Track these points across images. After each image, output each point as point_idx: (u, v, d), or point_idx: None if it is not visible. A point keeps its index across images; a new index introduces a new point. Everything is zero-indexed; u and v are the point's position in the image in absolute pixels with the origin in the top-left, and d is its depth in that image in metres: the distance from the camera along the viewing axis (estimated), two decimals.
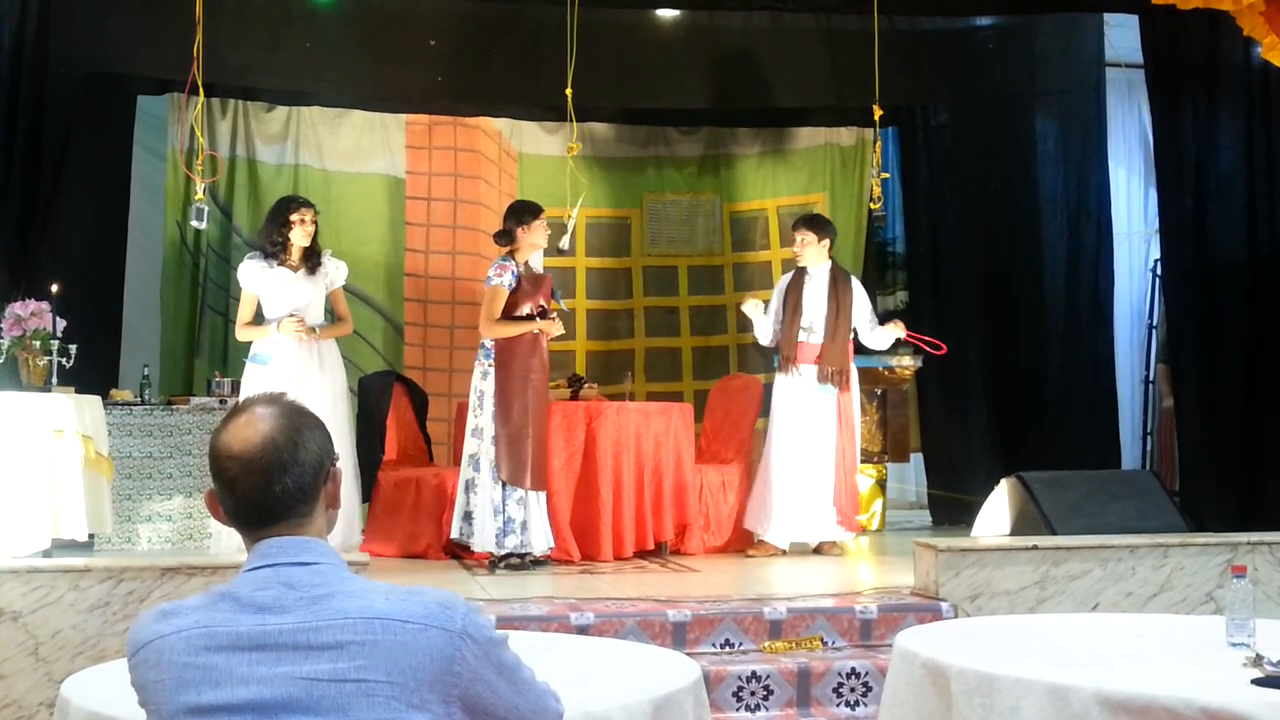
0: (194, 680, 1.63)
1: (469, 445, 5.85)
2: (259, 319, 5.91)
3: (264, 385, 5.63)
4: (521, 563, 5.73)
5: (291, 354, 5.81)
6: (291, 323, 5.78)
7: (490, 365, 5.83)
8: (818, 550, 6.45)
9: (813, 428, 6.39)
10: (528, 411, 5.78)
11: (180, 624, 1.67)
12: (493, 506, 5.71)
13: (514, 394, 5.78)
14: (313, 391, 5.65)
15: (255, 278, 5.86)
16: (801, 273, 6.57)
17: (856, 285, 6.59)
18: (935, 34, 8.06)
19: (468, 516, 5.82)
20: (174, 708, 1.65)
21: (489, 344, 5.85)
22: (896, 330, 6.49)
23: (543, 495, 5.83)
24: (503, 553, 5.70)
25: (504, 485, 5.71)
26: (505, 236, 5.92)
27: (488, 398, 5.81)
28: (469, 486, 5.83)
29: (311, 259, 5.92)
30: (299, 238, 5.86)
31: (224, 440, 1.73)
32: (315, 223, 5.93)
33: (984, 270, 8.08)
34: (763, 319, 6.61)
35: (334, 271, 6.01)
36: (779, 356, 6.56)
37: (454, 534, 5.90)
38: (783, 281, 6.70)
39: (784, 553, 6.41)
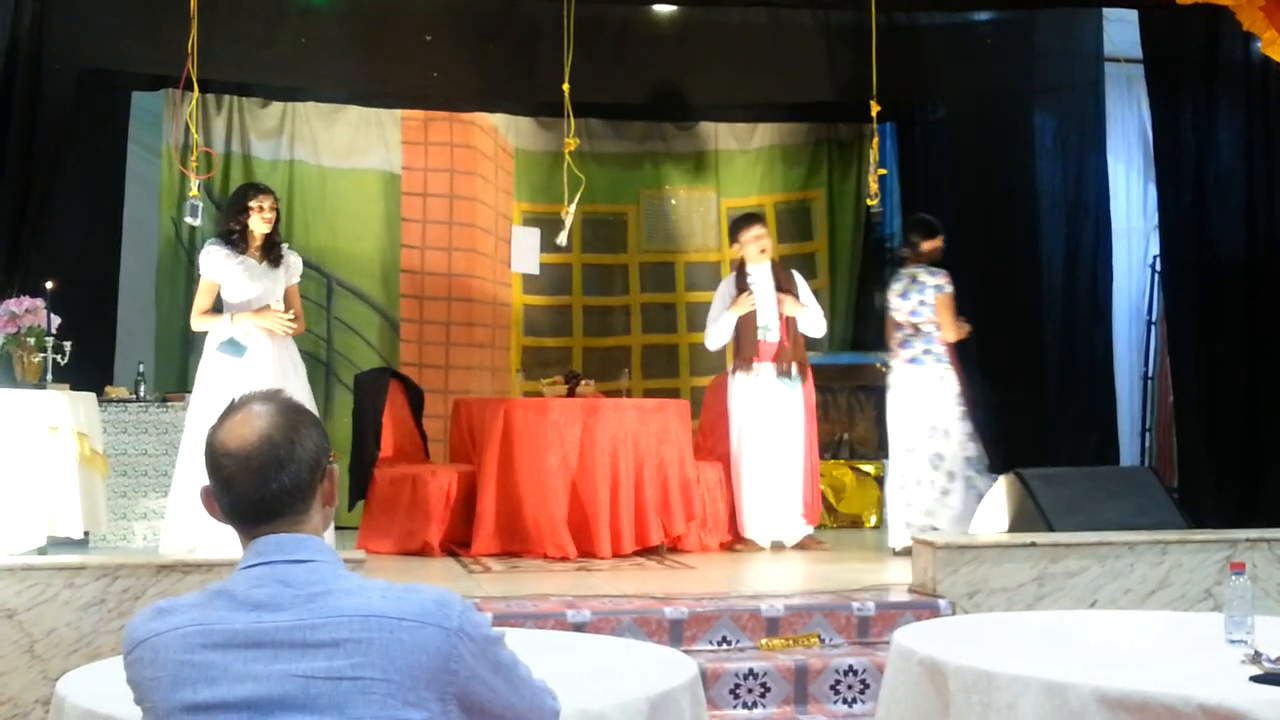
0: (190, 678, 1.63)
1: (936, 446, 6.16)
2: (217, 308, 5.62)
3: (231, 378, 5.33)
4: None
5: (266, 348, 5.52)
6: (278, 317, 5.53)
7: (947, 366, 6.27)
8: (800, 547, 6.45)
9: (779, 424, 6.42)
10: None
11: (176, 621, 1.67)
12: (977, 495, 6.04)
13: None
14: (290, 390, 5.43)
15: (218, 265, 5.59)
16: (743, 273, 6.57)
17: (796, 274, 6.67)
18: (933, 29, 8.02)
19: (930, 513, 6.08)
20: (170, 705, 1.64)
21: (941, 348, 6.27)
22: (795, 307, 6.53)
23: None
24: None
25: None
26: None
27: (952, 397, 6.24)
28: (934, 485, 6.12)
29: (272, 250, 5.67)
30: (257, 225, 5.62)
31: (220, 437, 1.72)
32: (276, 210, 5.68)
33: (982, 266, 8.04)
34: (723, 323, 6.57)
35: (294, 266, 5.77)
36: (736, 357, 6.55)
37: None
38: (726, 285, 6.70)
39: (764, 549, 6.43)
